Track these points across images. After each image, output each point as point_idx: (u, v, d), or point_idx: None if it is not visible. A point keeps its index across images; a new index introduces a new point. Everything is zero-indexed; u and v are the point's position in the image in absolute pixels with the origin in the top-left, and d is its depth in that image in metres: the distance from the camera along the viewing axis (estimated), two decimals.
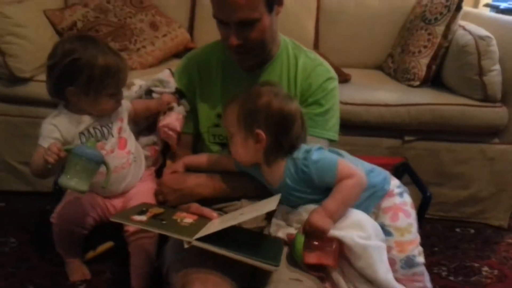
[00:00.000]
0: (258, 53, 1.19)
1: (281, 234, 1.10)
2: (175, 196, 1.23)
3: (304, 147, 1.08)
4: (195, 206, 1.16)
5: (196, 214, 1.14)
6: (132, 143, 1.34)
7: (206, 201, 1.20)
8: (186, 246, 1.00)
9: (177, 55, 2.26)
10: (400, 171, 1.62)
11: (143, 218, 1.14)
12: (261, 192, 1.16)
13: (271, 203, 1.03)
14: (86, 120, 1.25)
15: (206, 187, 1.22)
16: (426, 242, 1.74)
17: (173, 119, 1.31)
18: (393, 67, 2.19)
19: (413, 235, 1.10)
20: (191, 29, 2.39)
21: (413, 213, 1.13)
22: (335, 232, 1.01)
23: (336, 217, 1.01)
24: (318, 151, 1.07)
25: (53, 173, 1.22)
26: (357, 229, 1.02)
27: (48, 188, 1.88)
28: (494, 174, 1.87)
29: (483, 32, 1.76)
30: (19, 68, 1.79)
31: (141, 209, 1.17)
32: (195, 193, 1.21)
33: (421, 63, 1.99)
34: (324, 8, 2.35)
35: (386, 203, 1.11)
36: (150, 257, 1.31)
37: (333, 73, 1.27)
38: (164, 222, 1.09)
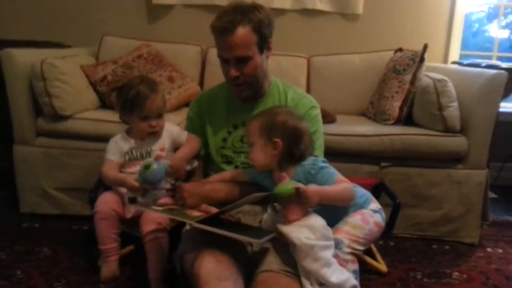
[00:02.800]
0: (252, 85, 1.55)
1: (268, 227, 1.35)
2: (193, 199, 1.43)
3: (311, 158, 1.39)
4: (203, 205, 1.43)
5: (204, 212, 1.39)
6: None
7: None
8: (188, 227, 1.27)
9: (189, 104, 2.66)
10: (377, 189, 1.94)
11: (159, 208, 1.45)
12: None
13: (257, 196, 1.28)
14: (131, 143, 1.68)
15: (220, 192, 1.45)
16: (404, 255, 2.03)
17: None
18: (373, 111, 2.57)
19: (360, 234, 1.33)
20: (201, 82, 2.82)
21: (371, 226, 1.35)
22: (290, 230, 1.25)
23: (324, 200, 1.25)
24: (323, 162, 1.37)
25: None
26: (309, 230, 1.25)
27: (74, 211, 2.26)
28: (462, 196, 2.15)
29: (440, 76, 2.16)
30: (62, 107, 2.18)
31: (159, 205, 1.49)
32: (210, 197, 1.43)
33: (394, 106, 2.36)
34: (313, 65, 2.82)
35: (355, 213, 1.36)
36: (164, 253, 1.58)
37: (315, 103, 1.63)
38: (176, 212, 1.39)
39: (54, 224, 2.22)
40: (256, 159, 1.39)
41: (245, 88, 1.54)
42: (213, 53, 2.71)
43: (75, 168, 2.22)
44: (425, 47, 2.36)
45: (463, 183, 2.15)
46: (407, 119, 2.36)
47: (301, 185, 1.23)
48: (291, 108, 1.49)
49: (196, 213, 1.38)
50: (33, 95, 2.22)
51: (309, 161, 1.36)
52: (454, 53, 3.08)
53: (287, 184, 1.24)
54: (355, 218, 1.35)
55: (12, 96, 2.22)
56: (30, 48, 2.45)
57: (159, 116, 1.67)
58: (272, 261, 1.32)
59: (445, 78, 2.13)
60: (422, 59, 2.35)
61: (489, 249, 2.14)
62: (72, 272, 1.76)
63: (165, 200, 1.60)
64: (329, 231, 1.30)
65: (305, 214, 1.27)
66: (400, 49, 2.73)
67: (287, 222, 1.26)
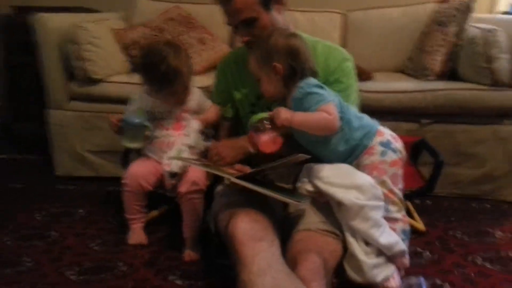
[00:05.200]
0: None
1: (305, 188, 1.31)
2: (229, 152, 1.45)
3: (311, 80, 1.32)
4: (238, 165, 1.41)
5: (239, 171, 1.36)
6: (191, 131, 1.62)
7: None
8: (221, 187, 1.24)
9: None
10: (418, 147, 1.84)
11: (198, 162, 1.44)
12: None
13: (296, 157, 1.19)
14: (152, 102, 1.62)
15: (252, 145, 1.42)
16: (443, 214, 1.94)
17: None
18: (412, 67, 2.43)
19: (389, 187, 1.28)
20: (231, 44, 2.75)
21: (390, 170, 1.28)
22: (336, 191, 1.23)
23: (295, 124, 1.23)
24: (316, 86, 1.30)
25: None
26: (358, 190, 1.22)
27: (108, 173, 2.29)
28: (507, 153, 2.02)
29: (488, 26, 2.00)
30: (94, 71, 2.18)
31: (196, 163, 1.47)
32: (246, 149, 1.44)
33: (437, 60, 2.22)
34: (350, 21, 2.69)
35: (365, 160, 1.29)
36: (199, 213, 1.58)
37: (348, 55, 1.52)
38: (214, 168, 1.37)
39: (89, 186, 2.26)
40: (267, 91, 1.36)
41: None
42: None
43: (107, 131, 2.16)
44: None
45: (509, 139, 2.01)
46: (451, 75, 2.21)
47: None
48: (280, 27, 1.42)
49: (231, 170, 1.36)
50: (65, 60, 2.22)
51: (305, 82, 1.30)
52: (503, 2, 2.84)
53: (263, 113, 1.26)
54: (370, 179, 1.26)
55: (45, 61, 2.23)
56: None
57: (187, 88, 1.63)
58: (309, 221, 1.30)
59: (495, 27, 1.97)
60: (469, 9, 2.18)
61: None
62: (107, 231, 1.78)
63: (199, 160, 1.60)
64: (378, 190, 1.25)
65: (279, 144, 1.25)
66: (445, 0, 2.55)
67: (261, 152, 1.26)
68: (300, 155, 1.19)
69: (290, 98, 1.33)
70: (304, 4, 2.68)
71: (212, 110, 1.67)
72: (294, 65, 1.31)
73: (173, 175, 1.55)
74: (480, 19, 2.25)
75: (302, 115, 1.25)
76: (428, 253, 1.61)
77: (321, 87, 1.32)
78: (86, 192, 2.20)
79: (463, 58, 2.15)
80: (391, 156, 1.30)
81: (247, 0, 1.37)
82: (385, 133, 1.34)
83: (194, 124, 1.63)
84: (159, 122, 1.63)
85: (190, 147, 1.60)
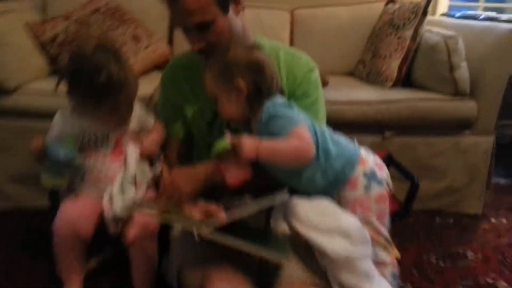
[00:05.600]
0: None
1: (280, 228, 1.12)
2: (186, 182, 1.19)
3: (278, 100, 1.13)
4: (201, 202, 1.16)
5: (204, 211, 1.12)
6: (132, 158, 1.30)
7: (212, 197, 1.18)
8: (197, 238, 0.99)
9: (158, 67, 2.29)
10: (385, 163, 1.72)
11: (152, 211, 1.17)
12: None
13: (274, 199, 1.05)
14: (82, 125, 1.26)
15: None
16: (412, 233, 1.86)
17: None
18: (365, 71, 2.31)
19: (375, 225, 1.11)
20: (170, 40, 2.44)
21: (376, 207, 1.11)
22: (317, 237, 1.03)
23: (263, 155, 1.04)
24: (282, 105, 1.11)
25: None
26: (343, 236, 1.03)
27: (30, 204, 1.87)
28: (467, 165, 1.99)
29: (449, 32, 1.92)
30: (4, 78, 1.78)
31: (148, 205, 1.20)
32: (210, 178, 1.19)
33: (392, 66, 2.11)
34: (297, 19, 2.49)
35: (348, 194, 1.11)
36: (153, 262, 1.30)
37: (313, 63, 1.33)
38: (175, 216, 1.11)
39: (5, 221, 1.83)
40: (227, 112, 1.16)
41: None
42: None
43: (26, 153, 1.82)
44: None
45: (469, 151, 1.98)
46: (405, 80, 2.13)
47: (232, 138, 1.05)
48: (236, 39, 1.20)
49: (195, 213, 1.10)
50: None
51: (271, 103, 1.11)
52: (443, 4, 2.84)
53: (224, 139, 1.06)
54: (356, 220, 1.08)
55: None
56: None
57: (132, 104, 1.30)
58: (291, 272, 1.10)
59: (455, 34, 1.89)
60: (425, 12, 2.09)
61: (493, 220, 2.01)
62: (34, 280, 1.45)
63: (149, 194, 1.32)
64: (365, 233, 1.07)
65: (246, 175, 1.07)
66: (392, 0, 2.46)
67: (228, 185, 1.08)
68: (280, 196, 1.03)
69: (254, 121, 1.13)
70: None
71: (156, 130, 1.37)
72: (259, 82, 1.11)
73: (117, 219, 1.24)
74: (429, 22, 2.17)
75: (269, 144, 1.05)
76: (410, 286, 1.51)
77: (290, 107, 1.13)
78: (2, 230, 1.79)
79: (420, 64, 2.07)
80: (376, 190, 1.12)
81: (201, 0, 1.12)
82: (369, 161, 1.15)
83: (135, 150, 1.32)
84: (92, 150, 1.29)
85: (134, 180, 1.29)
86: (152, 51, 2.28)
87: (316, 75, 1.32)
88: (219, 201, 1.13)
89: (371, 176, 1.12)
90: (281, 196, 1.05)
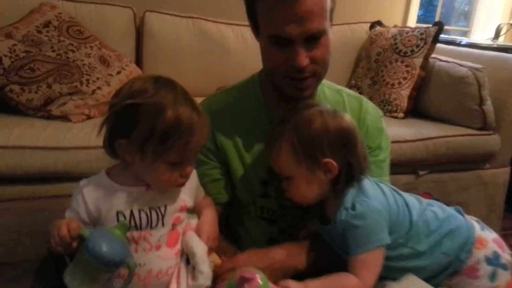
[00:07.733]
0: (320, 77, 0.93)
1: None
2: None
3: (368, 190, 0.86)
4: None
5: None
6: (201, 255, 0.88)
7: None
8: None
9: None
10: None
11: None
12: None
13: None
14: (132, 195, 0.84)
15: (299, 257, 0.92)
16: None
17: None
18: (369, 100, 2.14)
19: None
20: (137, 62, 1.97)
21: None
22: None
23: None
24: (368, 206, 0.84)
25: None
26: None
27: None
28: (487, 196, 1.94)
29: (475, 64, 1.83)
30: None
31: None
32: (288, 267, 0.91)
33: (403, 95, 1.98)
34: None
35: (465, 285, 0.89)
36: None
37: (379, 110, 1.09)
38: None
39: None
40: (302, 196, 0.89)
41: (311, 82, 0.92)
42: (152, 19, 1.88)
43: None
44: (439, 25, 2.00)
45: (489, 183, 1.93)
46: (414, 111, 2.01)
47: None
48: (318, 103, 0.93)
49: None
50: None
51: (355, 192, 0.86)
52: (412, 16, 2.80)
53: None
54: None
55: None
56: None
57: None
58: None
59: (482, 66, 1.80)
60: (435, 39, 1.99)
61: None
62: None
63: None
64: None
65: None
66: (379, 22, 2.34)
67: None
68: None
69: (331, 205, 0.88)
70: (230, 15, 2.10)
71: (210, 206, 0.98)
72: (351, 160, 0.85)
73: None
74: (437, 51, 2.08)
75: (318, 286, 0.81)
76: None
77: (376, 189, 0.88)
78: None
79: (437, 94, 1.96)
80: (503, 278, 0.89)
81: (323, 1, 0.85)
82: (488, 241, 0.91)
83: (198, 241, 0.89)
84: (143, 232, 0.85)
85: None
86: (126, 77, 1.81)
87: (384, 123, 1.07)
88: None
89: (495, 261, 0.89)
90: None
